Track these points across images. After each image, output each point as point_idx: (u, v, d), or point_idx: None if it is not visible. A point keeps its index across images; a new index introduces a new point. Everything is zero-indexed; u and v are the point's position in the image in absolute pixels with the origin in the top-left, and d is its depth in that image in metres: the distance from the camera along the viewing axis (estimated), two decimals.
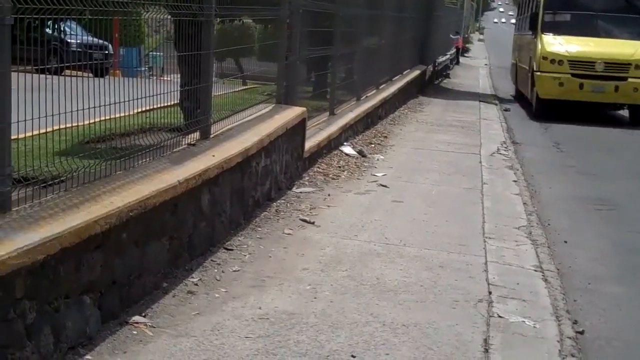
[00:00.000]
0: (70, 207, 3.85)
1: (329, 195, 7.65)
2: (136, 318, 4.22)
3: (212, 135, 6.07)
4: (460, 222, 6.99)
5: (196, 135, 5.91)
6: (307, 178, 8.25)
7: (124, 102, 4.65)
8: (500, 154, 11.17)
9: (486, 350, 4.24)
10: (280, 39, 8.06)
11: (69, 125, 4.10)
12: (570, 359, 4.28)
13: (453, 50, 34.18)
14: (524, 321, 4.71)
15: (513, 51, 23.22)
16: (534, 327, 4.64)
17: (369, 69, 13.36)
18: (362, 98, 12.74)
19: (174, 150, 5.48)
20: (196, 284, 4.87)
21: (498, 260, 5.92)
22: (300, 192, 7.61)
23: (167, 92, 5.40)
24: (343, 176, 8.64)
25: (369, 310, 4.68)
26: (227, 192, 5.82)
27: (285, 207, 6.98)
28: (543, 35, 16.82)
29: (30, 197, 3.78)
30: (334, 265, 5.50)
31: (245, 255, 5.56)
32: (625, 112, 17.36)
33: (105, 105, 4.41)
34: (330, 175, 8.56)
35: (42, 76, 4.03)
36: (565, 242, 6.89)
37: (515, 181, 9.16)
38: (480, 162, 10.29)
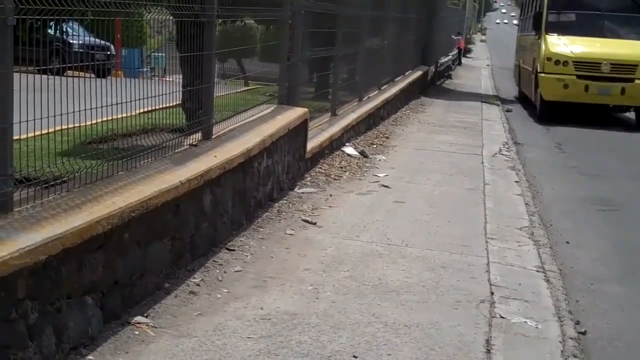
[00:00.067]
0: (72, 207, 3.86)
1: (330, 195, 7.65)
2: (138, 318, 4.22)
3: (214, 136, 6.08)
4: (462, 222, 6.99)
5: (198, 135, 5.92)
6: (309, 178, 8.25)
7: (126, 102, 4.65)
8: (502, 154, 11.16)
9: (488, 351, 4.24)
10: (282, 39, 8.06)
11: (71, 125, 4.09)
12: None
13: (455, 51, 34.18)
14: (526, 322, 4.70)
15: (516, 52, 22.75)
16: (536, 327, 4.64)
17: (371, 69, 13.36)
18: (364, 99, 12.74)
19: (176, 150, 5.48)
20: (198, 285, 4.87)
21: (500, 260, 5.92)
22: (302, 193, 7.61)
23: (169, 93, 5.40)
24: (345, 177, 8.64)
25: (371, 310, 4.67)
26: (229, 193, 5.82)
27: (287, 208, 6.98)
28: (547, 35, 16.40)
29: (32, 198, 3.78)
30: (335, 266, 5.50)
31: (247, 256, 5.56)
32: (631, 115, 17.00)
33: (107, 106, 4.41)
34: (332, 176, 8.56)
35: (45, 77, 4.03)
36: (567, 242, 6.88)
37: (517, 182, 9.15)
38: (482, 162, 10.29)
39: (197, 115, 5.91)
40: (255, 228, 6.25)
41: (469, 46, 49.66)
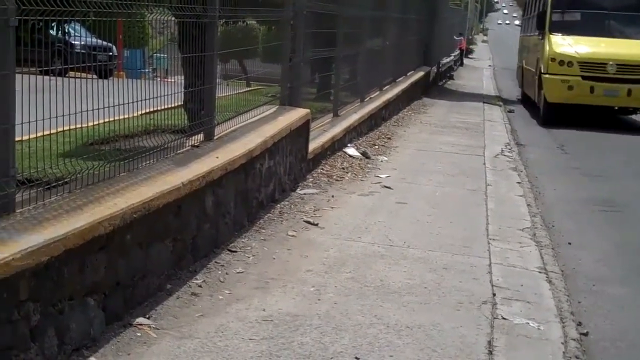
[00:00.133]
0: (74, 208, 3.85)
1: (332, 196, 7.65)
2: (140, 320, 4.22)
3: (216, 137, 6.07)
4: (464, 223, 6.98)
5: (200, 136, 5.91)
6: (311, 179, 8.25)
7: (128, 103, 4.65)
8: (504, 155, 11.16)
9: (490, 352, 4.23)
10: (284, 40, 8.06)
11: (73, 126, 4.10)
12: None
13: (457, 52, 34.19)
14: (528, 323, 4.70)
15: (519, 53, 22.29)
16: (538, 328, 4.63)
17: (372, 70, 13.36)
18: (365, 99, 12.74)
19: (178, 151, 5.48)
20: (200, 286, 4.87)
21: (502, 261, 5.91)
22: (304, 194, 7.60)
23: (171, 94, 5.39)
24: (347, 178, 8.63)
25: (373, 312, 4.67)
26: (231, 194, 5.82)
27: (289, 209, 6.98)
28: (551, 35, 15.97)
29: (34, 199, 3.78)
30: (337, 267, 5.49)
31: (249, 257, 5.55)
32: (638, 117, 16.78)
33: (109, 107, 4.41)
34: (334, 177, 8.55)
35: (47, 78, 4.03)
36: (570, 243, 6.88)
37: (519, 183, 9.15)
38: (484, 163, 10.29)
39: (199, 116, 5.91)
40: (257, 229, 6.25)
41: (470, 47, 49.67)
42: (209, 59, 5.87)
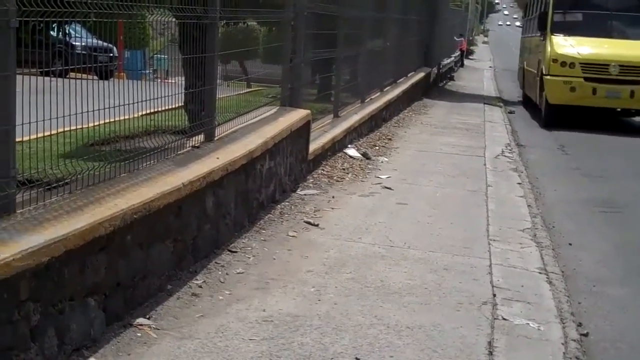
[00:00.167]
0: (75, 209, 3.86)
1: (333, 197, 7.65)
2: (140, 320, 4.22)
3: (216, 138, 6.08)
4: (464, 224, 6.98)
5: (200, 137, 5.92)
6: (311, 180, 8.25)
7: (129, 104, 4.65)
8: (505, 156, 11.16)
9: (490, 353, 4.23)
10: (285, 41, 8.07)
11: (73, 127, 4.10)
12: None
13: (457, 53, 34.20)
14: (528, 324, 4.70)
15: (520, 54, 22.06)
16: (539, 329, 4.64)
17: (373, 71, 13.37)
18: (366, 100, 12.74)
19: (179, 152, 5.49)
20: (200, 286, 4.87)
21: (502, 262, 5.92)
22: (305, 195, 7.61)
23: (171, 95, 5.40)
24: (347, 178, 8.64)
25: (373, 312, 4.67)
26: (232, 195, 5.82)
27: (290, 210, 6.98)
28: (553, 36, 15.74)
29: (34, 200, 3.79)
30: (338, 268, 5.50)
31: (249, 258, 5.56)
32: None
33: (110, 108, 4.42)
34: (335, 178, 8.56)
35: (47, 79, 4.04)
36: (570, 244, 6.88)
37: (519, 183, 9.16)
38: (485, 164, 10.29)
39: (200, 117, 5.91)
40: (258, 230, 6.25)
41: (471, 48, 49.67)
42: (210, 60, 5.87)
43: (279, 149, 7.06)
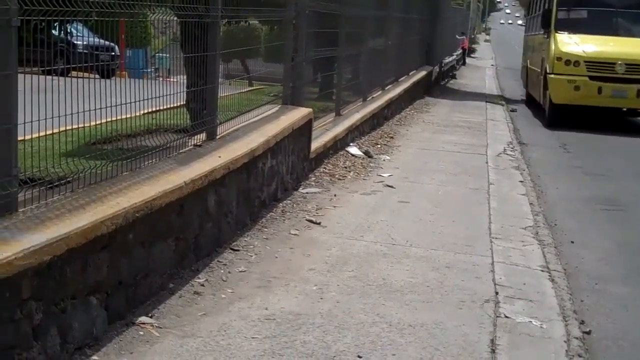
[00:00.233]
0: (77, 207, 3.86)
1: (335, 195, 7.65)
2: (142, 318, 4.23)
3: (218, 136, 6.08)
4: (466, 222, 6.98)
5: (202, 136, 5.92)
6: (313, 179, 8.25)
7: (131, 103, 4.66)
8: (507, 154, 11.16)
9: (493, 351, 4.23)
10: (287, 40, 8.07)
11: (75, 126, 4.10)
12: (577, 359, 4.27)
13: (459, 51, 34.18)
14: (530, 321, 4.70)
15: (523, 53, 21.64)
16: (541, 327, 4.63)
17: (375, 69, 13.36)
18: (368, 99, 12.74)
19: (180, 151, 5.49)
20: (202, 285, 4.87)
21: (505, 260, 5.91)
22: (307, 193, 7.61)
23: (173, 94, 5.40)
24: (349, 177, 8.63)
25: (376, 310, 4.67)
26: (234, 193, 5.82)
27: (292, 208, 6.98)
28: (557, 34, 15.35)
29: (36, 198, 3.79)
30: (340, 266, 5.50)
31: (251, 256, 5.56)
32: None
33: (111, 107, 4.42)
34: (337, 176, 8.56)
35: (49, 77, 4.04)
36: (572, 242, 6.88)
37: (521, 181, 9.15)
38: (487, 162, 10.28)
39: (202, 116, 5.91)
40: (260, 228, 6.25)
41: (473, 46, 49.65)
42: (211, 59, 5.87)
43: (281, 148, 7.06)
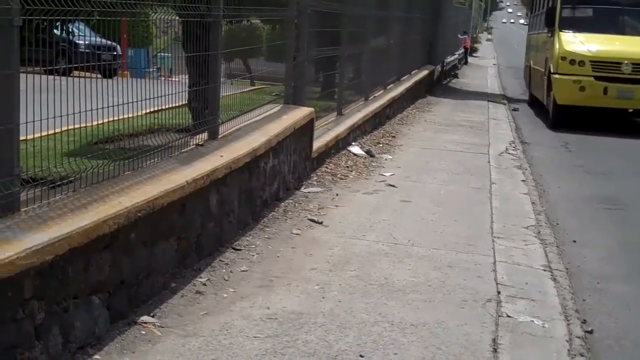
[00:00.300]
0: (79, 207, 3.87)
1: (337, 195, 7.65)
2: (145, 318, 4.23)
3: (220, 136, 6.08)
4: (468, 221, 6.98)
5: (204, 135, 5.92)
6: (315, 178, 8.25)
7: (133, 102, 4.66)
8: (509, 153, 11.15)
9: (495, 350, 4.23)
10: (288, 39, 8.07)
11: (77, 126, 4.10)
12: (579, 359, 4.27)
13: (461, 50, 34.15)
14: (532, 321, 4.70)
15: (526, 52, 21.11)
16: (543, 326, 4.63)
17: (377, 69, 13.36)
18: (370, 98, 12.74)
19: (182, 150, 5.49)
20: (204, 284, 4.87)
21: (507, 259, 5.91)
22: (309, 192, 7.61)
23: (175, 93, 5.40)
24: (351, 176, 8.64)
25: (378, 310, 4.67)
26: (235, 193, 5.82)
27: (294, 207, 6.98)
28: (561, 32, 14.85)
29: (38, 198, 3.79)
30: (342, 265, 5.50)
31: (253, 255, 5.56)
32: None
33: (113, 106, 4.42)
34: (339, 175, 8.56)
35: (51, 77, 4.04)
36: (574, 241, 6.87)
37: (523, 181, 9.15)
38: (489, 161, 10.28)
39: (203, 115, 5.91)
40: (262, 227, 6.25)
41: (475, 45, 49.61)
42: (213, 58, 5.88)
43: (283, 147, 7.06)
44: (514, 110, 17.85)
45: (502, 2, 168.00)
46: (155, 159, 5.00)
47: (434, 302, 4.90)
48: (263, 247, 5.78)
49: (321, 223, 6.55)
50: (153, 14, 5.64)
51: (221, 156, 5.52)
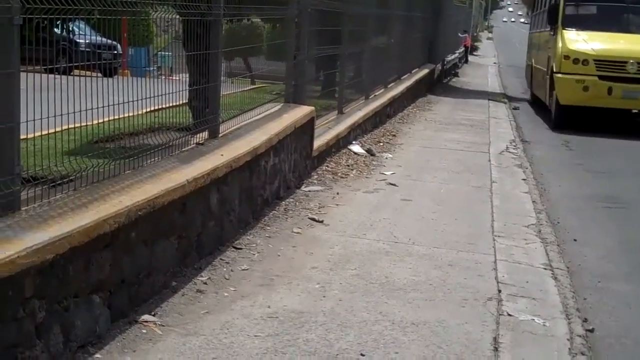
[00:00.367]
0: (79, 206, 3.86)
1: (337, 194, 7.65)
2: (145, 317, 4.23)
3: (220, 135, 6.08)
4: (469, 220, 6.98)
5: (205, 134, 5.92)
6: (315, 177, 8.25)
7: (133, 101, 4.66)
8: (509, 152, 11.15)
9: (496, 349, 4.23)
10: (289, 38, 8.06)
11: (77, 124, 4.10)
12: (580, 357, 4.27)
13: (462, 49, 34.13)
14: (533, 319, 4.70)
15: (528, 51, 20.71)
16: (544, 325, 4.63)
17: (377, 67, 13.35)
18: (370, 97, 12.73)
19: (183, 149, 5.49)
20: (205, 283, 4.87)
21: (507, 258, 5.91)
22: (309, 191, 7.61)
23: (175, 92, 5.40)
24: (352, 175, 8.63)
25: (378, 308, 4.67)
26: (236, 191, 5.82)
27: (294, 206, 6.98)
28: (564, 30, 14.45)
29: (39, 197, 3.79)
30: (342, 264, 5.50)
31: (254, 254, 5.56)
32: None
33: (114, 105, 4.42)
34: (339, 174, 8.56)
35: (51, 76, 4.04)
36: (575, 240, 6.87)
37: (524, 179, 9.14)
38: (489, 160, 10.28)
39: (204, 114, 5.91)
40: (262, 226, 6.25)
41: (475, 44, 49.59)
42: (214, 57, 5.87)
43: (283, 146, 7.06)
44: (515, 109, 17.83)
45: (502, 0, 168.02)
46: (156, 158, 5.00)
47: (435, 300, 4.90)
48: (264, 245, 5.78)
49: (322, 222, 6.55)
50: (153, 13, 5.64)
51: (222, 155, 5.51)
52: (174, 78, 7.02)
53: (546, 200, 8.36)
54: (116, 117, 4.57)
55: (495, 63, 39.53)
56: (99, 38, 4.78)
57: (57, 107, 3.82)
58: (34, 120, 3.69)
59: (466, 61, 36.54)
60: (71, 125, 4.06)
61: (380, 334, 4.29)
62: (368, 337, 4.24)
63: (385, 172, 8.91)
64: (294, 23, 8.11)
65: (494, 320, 4.64)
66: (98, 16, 4.45)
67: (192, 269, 5.02)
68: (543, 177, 9.75)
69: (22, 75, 3.63)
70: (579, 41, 14.24)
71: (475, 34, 54.58)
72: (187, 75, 6.74)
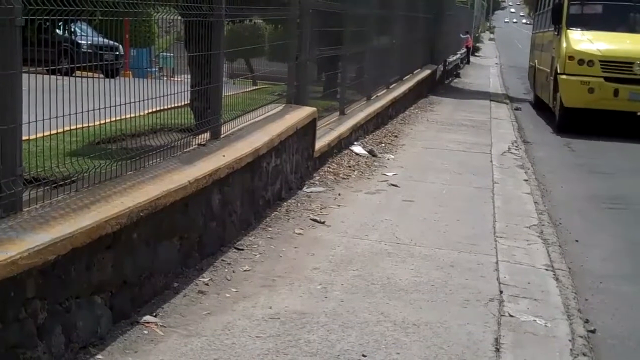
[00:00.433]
0: (81, 207, 3.87)
1: (339, 194, 7.65)
2: (147, 318, 4.23)
3: (222, 136, 6.08)
4: (471, 221, 6.98)
5: (206, 135, 5.92)
6: (317, 178, 8.25)
7: (135, 102, 4.66)
8: (511, 153, 11.14)
9: (497, 350, 4.23)
10: (291, 39, 8.07)
11: (79, 126, 4.11)
12: (582, 358, 4.27)
13: (463, 50, 34.13)
14: (535, 320, 4.69)
15: (531, 52, 20.16)
16: (546, 326, 4.63)
17: (379, 68, 13.36)
18: (372, 98, 12.73)
19: (185, 150, 5.49)
20: (207, 284, 4.87)
21: (509, 259, 5.91)
22: (311, 192, 7.61)
23: (177, 93, 5.40)
24: (353, 176, 8.63)
25: (380, 309, 4.67)
26: (238, 192, 5.82)
27: (296, 207, 6.98)
28: (569, 30, 14.02)
29: (41, 198, 3.79)
30: (344, 265, 5.50)
31: (255, 255, 5.56)
32: None
33: (116, 106, 4.42)
34: (341, 175, 8.56)
35: (53, 77, 4.04)
36: (577, 241, 6.87)
37: (526, 180, 9.14)
38: (491, 161, 10.27)
39: (206, 115, 5.92)
40: (264, 227, 6.26)
41: (477, 45, 49.58)
42: (216, 58, 5.88)
43: (285, 147, 7.06)
44: (517, 109, 17.83)
45: (504, 1, 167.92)
46: (158, 159, 5.00)
47: (437, 301, 4.90)
48: (265, 246, 5.78)
49: (323, 223, 6.55)
50: (155, 14, 5.65)
51: (223, 156, 5.52)
52: (176, 79, 7.03)
53: (548, 201, 8.36)
54: (118, 118, 4.57)
55: (497, 64, 39.54)
56: (101, 39, 4.79)
57: (59, 108, 3.82)
58: (36, 121, 3.69)
59: (468, 62, 36.55)
60: (73, 127, 4.06)
61: (382, 334, 4.29)
62: (370, 337, 4.24)
63: (387, 173, 8.91)
64: (296, 24, 8.11)
65: (495, 321, 4.64)
66: (100, 17, 4.45)
67: (194, 269, 5.02)
68: (545, 178, 9.74)
69: (24, 76, 3.63)
70: (584, 41, 13.83)
71: (477, 35, 54.56)
72: (189, 76, 6.75)
